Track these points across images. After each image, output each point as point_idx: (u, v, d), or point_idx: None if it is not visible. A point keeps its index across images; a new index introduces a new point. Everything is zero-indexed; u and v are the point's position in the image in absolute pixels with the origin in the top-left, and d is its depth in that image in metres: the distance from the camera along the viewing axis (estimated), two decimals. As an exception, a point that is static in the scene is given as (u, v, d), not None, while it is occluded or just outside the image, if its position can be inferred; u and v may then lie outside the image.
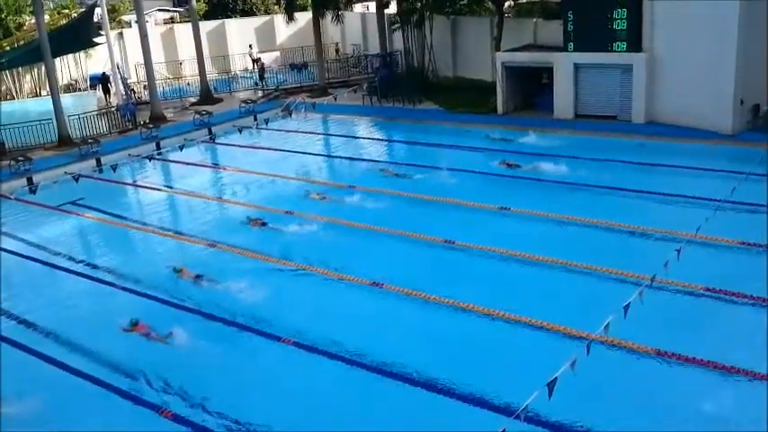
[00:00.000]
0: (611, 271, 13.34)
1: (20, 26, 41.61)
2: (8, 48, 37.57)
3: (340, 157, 24.29)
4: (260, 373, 11.47)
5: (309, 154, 24.80)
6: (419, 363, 10.90)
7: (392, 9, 35.08)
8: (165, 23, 48.59)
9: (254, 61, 40.77)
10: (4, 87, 40.12)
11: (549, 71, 25.79)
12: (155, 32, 40.96)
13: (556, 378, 8.05)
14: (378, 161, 22.96)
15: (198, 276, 14.76)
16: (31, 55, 32.27)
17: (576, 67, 24.79)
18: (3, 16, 41.20)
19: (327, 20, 34.50)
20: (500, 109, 27.10)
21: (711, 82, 21.34)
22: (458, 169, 20.93)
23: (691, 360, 10.32)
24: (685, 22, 21.91)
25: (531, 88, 27.53)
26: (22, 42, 37.62)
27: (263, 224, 17.81)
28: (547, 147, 22.41)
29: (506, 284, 13.75)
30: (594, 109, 24.96)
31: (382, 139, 27.47)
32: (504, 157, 21.50)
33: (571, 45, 24.76)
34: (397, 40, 34.11)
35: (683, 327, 11.54)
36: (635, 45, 23.32)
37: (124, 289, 14.77)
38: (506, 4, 31.06)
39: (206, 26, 41.46)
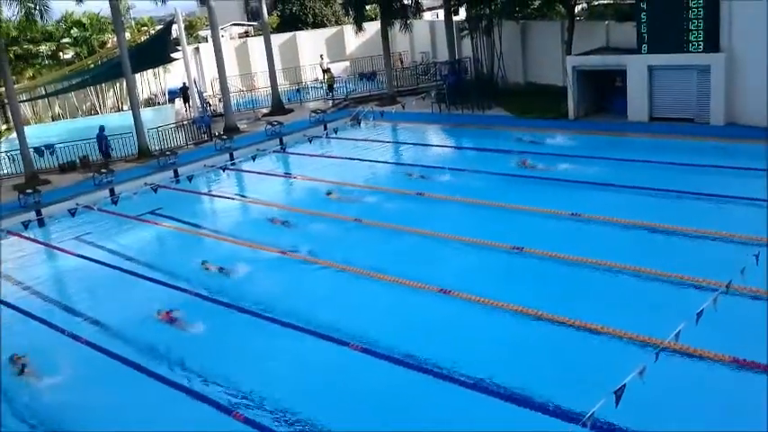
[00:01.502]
0: (685, 277, 12.90)
1: (103, 44, 43.63)
2: (92, 65, 39.39)
3: (408, 165, 24.33)
4: (330, 377, 11.63)
5: (378, 162, 24.94)
6: (486, 369, 10.82)
7: (461, 16, 35.09)
8: (239, 37, 49.99)
9: (325, 71, 41.45)
10: (89, 103, 42.12)
11: (621, 74, 25.23)
12: (229, 46, 42.17)
13: (624, 386, 7.85)
14: (444, 168, 22.94)
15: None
16: (113, 71, 33.75)
17: (651, 69, 24.13)
18: (88, 35, 43.32)
19: (396, 29, 34.74)
20: (571, 113, 26.65)
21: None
22: (526, 175, 20.69)
23: (769, 369, 9.89)
24: (764, 20, 21.05)
25: (604, 92, 26.98)
26: (105, 59, 39.38)
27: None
28: (620, 150, 21.91)
29: (576, 291, 13.48)
30: (670, 111, 24.20)
31: (450, 146, 27.42)
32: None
33: (645, 47, 24.14)
34: (466, 47, 34.05)
35: (761, 335, 11.06)
36: (712, 45, 22.53)
37: (197, 295, 15.21)
38: (578, 7, 30.60)
39: (278, 39, 42.40)
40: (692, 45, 22.93)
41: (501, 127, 27.27)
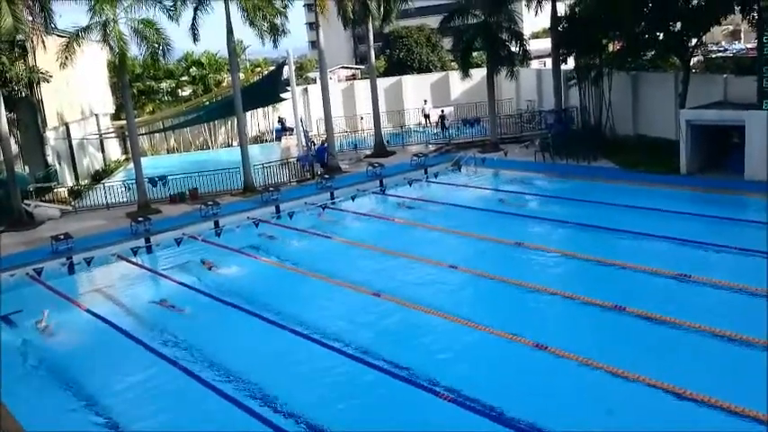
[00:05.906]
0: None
1: (218, 83, 45.84)
2: (207, 102, 41.37)
3: (507, 213, 23.84)
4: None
5: (477, 209, 24.54)
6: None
7: (569, 65, 34.58)
8: (346, 80, 51.29)
9: (426, 116, 42.02)
10: (201, 138, 44.11)
11: (739, 130, 23.97)
12: (336, 88, 43.30)
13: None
14: (546, 219, 22.34)
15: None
16: (226, 109, 35.25)
17: (772, 125, 22.86)
18: (205, 74, 45.65)
19: (502, 76, 34.56)
20: (683, 169, 25.53)
21: None
22: (632, 231, 19.75)
23: None
24: None
25: (719, 148, 25.71)
26: (219, 97, 41.27)
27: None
28: (734, 210, 20.72)
29: (679, 355, 12.73)
30: (793, 171, 22.76)
31: (552, 197, 26.63)
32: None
33: (766, 102, 22.91)
34: (573, 97, 33.47)
35: None
36: (844, 102, 21.13)
37: (293, 332, 15.14)
38: (694, 59, 29.51)
39: (384, 82, 43.20)
40: (821, 102, 21.59)
41: (607, 180, 26.40)
